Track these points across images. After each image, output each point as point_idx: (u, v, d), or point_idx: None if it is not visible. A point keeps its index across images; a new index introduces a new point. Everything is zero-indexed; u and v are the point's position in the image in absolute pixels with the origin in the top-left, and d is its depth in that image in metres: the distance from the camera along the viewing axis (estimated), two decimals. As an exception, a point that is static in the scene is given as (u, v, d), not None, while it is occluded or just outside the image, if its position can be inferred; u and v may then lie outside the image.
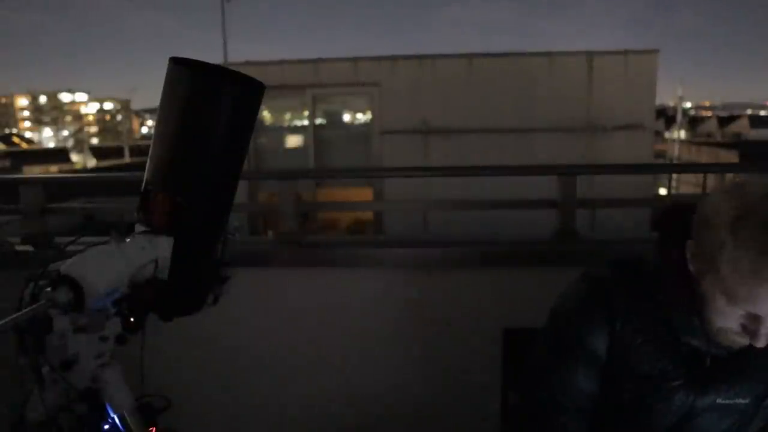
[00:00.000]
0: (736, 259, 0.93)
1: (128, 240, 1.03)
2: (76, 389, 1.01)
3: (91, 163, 42.57)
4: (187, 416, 1.38)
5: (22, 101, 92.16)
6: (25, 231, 2.96)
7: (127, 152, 38.59)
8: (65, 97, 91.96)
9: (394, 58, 11.75)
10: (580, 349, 1.16)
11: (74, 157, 48.98)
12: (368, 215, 11.30)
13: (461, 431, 2.42)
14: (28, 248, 2.98)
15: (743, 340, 1.03)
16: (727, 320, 1.01)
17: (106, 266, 0.97)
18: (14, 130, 79.35)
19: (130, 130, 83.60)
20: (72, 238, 1.10)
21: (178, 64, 1.04)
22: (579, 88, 11.00)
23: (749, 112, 72.53)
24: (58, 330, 0.96)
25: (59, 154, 42.06)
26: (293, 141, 12.84)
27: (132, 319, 1.04)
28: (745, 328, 1.01)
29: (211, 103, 1.04)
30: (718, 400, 1.13)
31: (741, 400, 1.13)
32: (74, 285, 0.91)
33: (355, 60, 11.79)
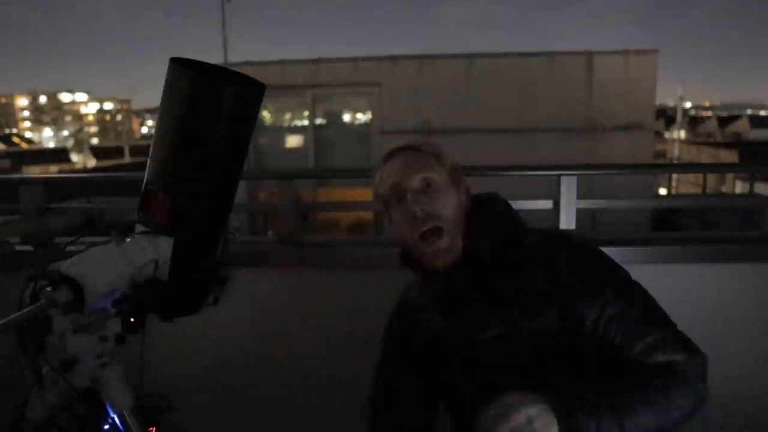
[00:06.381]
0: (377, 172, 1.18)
1: (128, 240, 1.03)
2: (76, 389, 1.01)
3: (91, 163, 42.56)
4: (187, 416, 1.38)
5: (22, 101, 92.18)
6: (25, 231, 2.96)
7: (127, 152, 38.58)
8: (65, 97, 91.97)
9: (394, 58, 11.75)
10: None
11: (74, 157, 48.96)
12: (368, 215, 11.30)
13: None
14: (28, 248, 2.98)
15: (420, 242, 1.10)
16: (401, 226, 1.13)
17: (106, 266, 0.97)
18: (14, 130, 79.35)
19: (130, 130, 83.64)
20: (72, 238, 1.10)
21: (178, 64, 1.04)
22: (579, 88, 11.00)
23: (749, 112, 72.55)
24: (58, 330, 0.96)
25: (59, 154, 42.02)
26: (293, 141, 12.84)
27: (132, 320, 1.04)
28: (408, 218, 1.10)
29: (211, 103, 1.04)
30: (482, 336, 1.09)
31: (496, 330, 1.08)
32: (74, 285, 0.91)
33: (355, 60, 11.79)
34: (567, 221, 2.68)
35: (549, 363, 1.05)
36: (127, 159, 35.04)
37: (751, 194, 11.41)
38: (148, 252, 1.02)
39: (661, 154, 31.85)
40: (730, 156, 22.57)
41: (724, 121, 47.81)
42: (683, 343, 1.02)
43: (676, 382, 0.97)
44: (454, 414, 1.23)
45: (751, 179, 12.24)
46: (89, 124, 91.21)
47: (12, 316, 0.88)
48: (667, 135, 38.78)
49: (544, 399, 0.89)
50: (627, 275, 1.09)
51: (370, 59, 11.84)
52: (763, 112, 79.82)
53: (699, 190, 16.41)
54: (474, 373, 1.13)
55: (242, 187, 1.55)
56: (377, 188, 1.17)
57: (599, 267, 1.09)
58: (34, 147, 56.36)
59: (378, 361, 1.35)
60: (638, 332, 1.01)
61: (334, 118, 13.10)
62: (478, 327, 1.11)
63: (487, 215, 1.16)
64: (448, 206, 1.12)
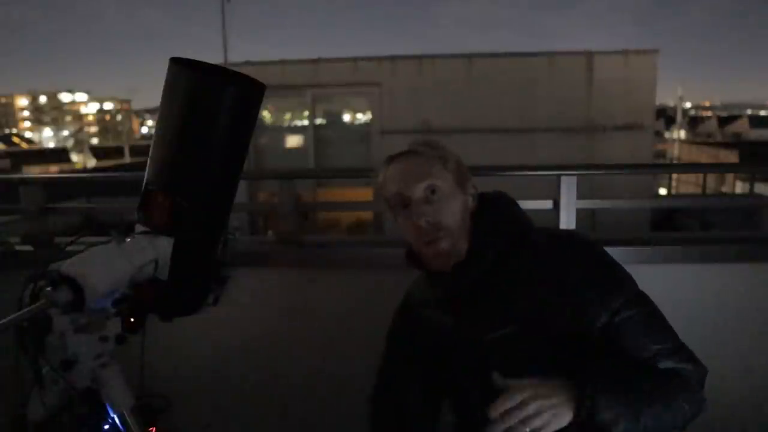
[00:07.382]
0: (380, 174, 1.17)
1: (128, 240, 1.03)
2: (76, 389, 1.01)
3: (91, 163, 42.57)
4: (187, 416, 1.38)
5: (22, 101, 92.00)
6: (25, 231, 2.96)
7: (127, 152, 38.56)
8: (65, 97, 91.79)
9: (394, 58, 11.74)
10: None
11: (74, 157, 48.96)
12: (368, 215, 11.30)
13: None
14: (28, 248, 2.98)
15: (424, 246, 1.11)
16: (406, 232, 1.13)
17: (106, 266, 0.96)
18: (14, 130, 79.22)
19: (130, 130, 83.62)
20: (72, 238, 1.10)
21: (178, 64, 1.04)
22: (579, 88, 11.00)
23: (749, 112, 72.57)
24: (58, 330, 0.96)
25: (59, 154, 41.98)
26: (293, 141, 12.83)
27: (132, 320, 1.04)
28: (413, 226, 1.10)
29: (211, 104, 1.04)
30: (491, 335, 1.09)
31: (506, 330, 1.07)
32: (74, 285, 0.91)
33: (355, 60, 11.79)
34: (567, 221, 2.68)
35: (559, 364, 1.05)
36: (127, 159, 34.99)
37: (751, 194, 11.41)
38: (148, 252, 1.02)
39: (661, 154, 31.85)
40: (730, 156, 22.56)
41: (724, 121, 47.75)
42: (688, 353, 1.05)
43: (684, 387, 1.00)
44: (459, 413, 1.23)
45: (751, 179, 12.25)
46: (89, 124, 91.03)
47: (12, 316, 0.88)
48: (667, 135, 38.79)
49: (565, 386, 0.91)
50: (631, 277, 1.10)
51: (370, 59, 11.83)
52: (763, 112, 79.78)
53: (699, 190, 16.42)
54: (480, 373, 1.13)
55: (242, 187, 1.55)
56: (381, 190, 1.17)
57: (607, 269, 1.09)
58: (34, 147, 56.28)
59: (381, 359, 1.35)
60: (649, 338, 1.03)
61: (334, 118, 13.09)
62: (485, 327, 1.10)
63: (493, 215, 1.15)
64: (454, 213, 1.11)
